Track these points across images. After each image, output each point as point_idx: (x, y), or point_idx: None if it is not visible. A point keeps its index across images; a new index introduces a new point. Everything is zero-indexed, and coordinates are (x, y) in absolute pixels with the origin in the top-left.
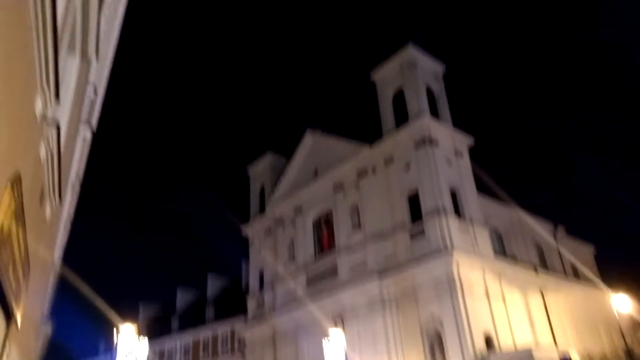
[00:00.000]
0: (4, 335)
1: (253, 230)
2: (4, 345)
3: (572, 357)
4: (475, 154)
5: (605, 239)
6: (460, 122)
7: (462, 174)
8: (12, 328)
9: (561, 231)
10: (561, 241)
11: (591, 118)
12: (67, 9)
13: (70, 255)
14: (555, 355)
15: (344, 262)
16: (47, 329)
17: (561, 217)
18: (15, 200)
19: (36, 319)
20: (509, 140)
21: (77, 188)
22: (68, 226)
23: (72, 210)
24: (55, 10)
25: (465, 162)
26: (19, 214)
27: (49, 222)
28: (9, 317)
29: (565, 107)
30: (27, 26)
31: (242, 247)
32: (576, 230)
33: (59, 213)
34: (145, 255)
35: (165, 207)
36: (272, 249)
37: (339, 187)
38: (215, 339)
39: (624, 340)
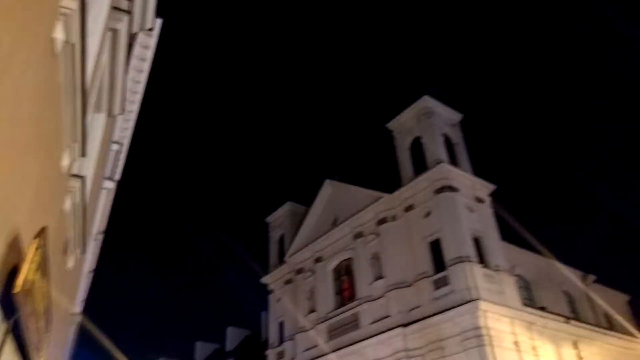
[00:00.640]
0: None
1: (272, 280)
2: None
3: None
4: (498, 201)
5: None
6: (481, 170)
7: (484, 221)
8: None
9: (590, 280)
10: (592, 289)
11: (616, 160)
12: (95, 68)
13: (91, 307)
14: None
15: (365, 313)
16: None
17: (591, 266)
18: (40, 253)
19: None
20: (534, 186)
21: (100, 239)
22: (90, 277)
23: (94, 262)
24: (85, 71)
25: (487, 209)
26: (44, 266)
27: (72, 273)
28: None
29: (590, 149)
30: (56, 85)
31: (262, 299)
32: (607, 278)
33: (82, 264)
34: (164, 308)
35: (185, 259)
36: (292, 299)
37: (358, 235)
38: None
39: None
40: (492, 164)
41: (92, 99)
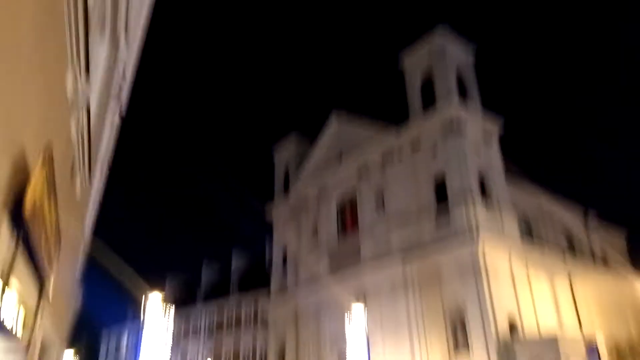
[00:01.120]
0: (37, 305)
1: (277, 209)
2: (36, 316)
3: (598, 345)
4: (504, 138)
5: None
6: (489, 104)
7: (490, 158)
8: (44, 300)
9: (592, 216)
10: (592, 226)
11: (626, 100)
12: None
13: (100, 230)
14: (582, 344)
15: (367, 244)
16: (77, 302)
17: (593, 202)
18: (47, 174)
19: (67, 293)
20: (540, 123)
21: (107, 167)
22: (97, 203)
23: (101, 188)
24: None
25: (494, 146)
26: (51, 188)
27: (80, 199)
28: (42, 288)
29: (598, 90)
30: (59, 3)
31: (266, 225)
32: (608, 214)
33: (89, 190)
34: (172, 231)
35: (193, 185)
36: (295, 228)
37: (363, 170)
38: (239, 312)
39: None
40: (501, 95)
41: (95, 18)
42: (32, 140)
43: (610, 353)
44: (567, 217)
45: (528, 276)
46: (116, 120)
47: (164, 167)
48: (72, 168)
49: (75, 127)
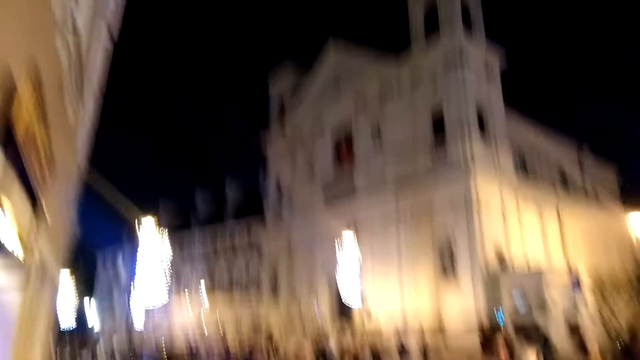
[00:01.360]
0: (33, 226)
1: (272, 139)
2: (33, 237)
3: (581, 277)
4: (506, 71)
5: (630, 158)
6: (492, 33)
7: (490, 90)
8: (40, 221)
9: (585, 151)
10: (585, 161)
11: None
12: None
13: (94, 155)
14: (565, 277)
15: (361, 176)
16: (73, 226)
17: (588, 138)
18: (35, 96)
19: (62, 216)
20: (538, 58)
21: (99, 93)
22: (91, 130)
23: (94, 115)
24: None
25: (496, 79)
26: (41, 111)
27: (72, 124)
28: (36, 210)
29: (597, 25)
30: None
31: (260, 155)
32: (601, 150)
33: (81, 116)
34: (165, 159)
35: (187, 113)
36: (290, 159)
37: (361, 101)
38: (232, 239)
39: (636, 261)
40: (500, 27)
41: None
42: (15, 54)
43: (592, 285)
44: (561, 151)
45: (518, 210)
46: (107, 44)
47: (158, 94)
48: (62, 91)
49: (62, 47)
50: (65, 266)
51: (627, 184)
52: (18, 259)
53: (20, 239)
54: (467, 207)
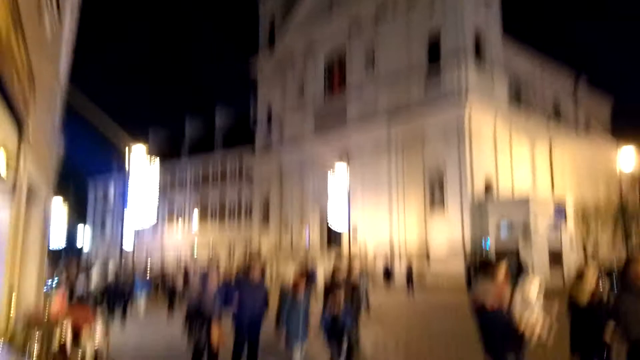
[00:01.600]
0: (17, 148)
1: (262, 64)
2: (18, 158)
3: (567, 207)
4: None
5: (626, 91)
6: None
7: (489, 15)
8: (25, 142)
9: (582, 81)
10: (580, 92)
11: None
12: None
13: (79, 80)
14: (551, 205)
15: (353, 103)
16: (59, 145)
17: (586, 69)
18: (9, 5)
19: (48, 138)
20: None
21: (77, 8)
22: (71, 48)
23: (74, 32)
24: None
25: (494, 2)
26: (16, 21)
27: (50, 41)
28: (21, 131)
29: None
30: None
31: (250, 81)
32: (598, 82)
33: (60, 32)
34: (153, 84)
35: (174, 36)
36: (281, 85)
37: (355, 24)
38: (223, 167)
39: (621, 193)
40: None
41: None
42: None
43: (576, 214)
44: (557, 82)
45: (510, 140)
46: None
47: (146, 19)
48: (39, 5)
49: None
50: (56, 193)
51: (621, 117)
52: (4, 179)
53: (7, 160)
54: (459, 136)
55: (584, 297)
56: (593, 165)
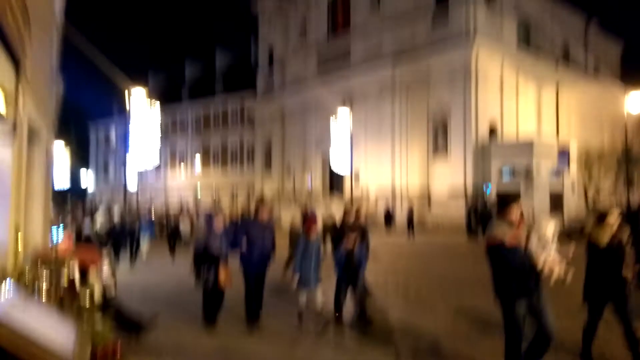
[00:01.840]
0: (16, 84)
1: (262, 4)
2: (17, 96)
3: (570, 151)
4: None
5: (637, 36)
6: None
7: None
8: (23, 81)
9: (593, 24)
10: (591, 35)
11: None
12: None
13: (76, 21)
14: (555, 149)
15: (358, 45)
16: (59, 87)
17: (597, 11)
18: None
19: (46, 74)
20: None
21: None
22: None
23: None
24: None
25: None
26: None
27: None
28: (18, 69)
29: None
30: None
31: (251, 22)
32: (610, 24)
33: None
34: (151, 26)
35: None
36: (282, 26)
37: None
38: (225, 111)
39: (626, 137)
40: None
41: None
42: None
43: (580, 158)
44: (568, 24)
45: (517, 84)
46: None
47: None
48: None
49: None
50: (58, 137)
51: (631, 62)
52: (4, 117)
53: (6, 99)
54: (465, 79)
55: (604, 239)
56: (599, 111)
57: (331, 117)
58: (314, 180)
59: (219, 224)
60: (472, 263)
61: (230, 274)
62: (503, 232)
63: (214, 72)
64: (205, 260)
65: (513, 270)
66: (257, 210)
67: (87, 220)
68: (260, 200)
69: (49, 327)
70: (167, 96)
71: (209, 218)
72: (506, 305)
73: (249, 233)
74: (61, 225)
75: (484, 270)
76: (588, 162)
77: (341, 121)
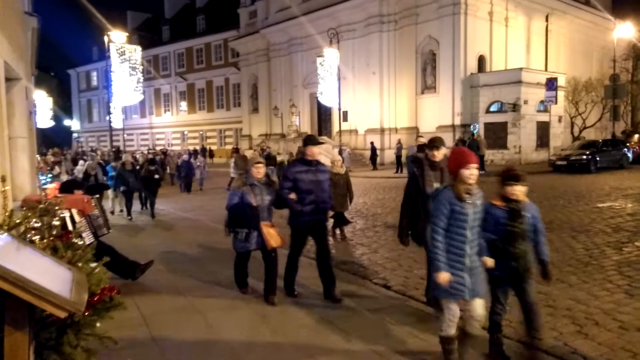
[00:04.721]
0: None
1: None
2: None
3: (558, 81)
4: None
5: None
6: None
7: None
8: None
9: None
10: None
11: None
12: None
13: None
14: (543, 78)
15: None
16: (34, 22)
17: None
18: None
19: (18, 12)
20: None
21: None
22: None
23: None
24: None
25: None
26: None
27: None
28: None
29: None
30: None
31: None
32: None
33: None
34: None
35: None
36: None
37: None
38: (208, 49)
39: (614, 66)
40: None
41: None
42: None
43: (567, 86)
44: None
45: (507, 15)
46: None
47: None
48: None
49: None
50: (39, 86)
51: None
52: None
53: None
54: (454, 9)
55: None
56: (589, 41)
57: (318, 57)
58: (302, 120)
59: (259, 172)
60: None
61: (279, 231)
62: None
63: (194, 8)
64: (244, 224)
65: None
66: (304, 150)
67: (74, 167)
68: (308, 138)
69: (45, 272)
70: (147, 38)
71: (242, 159)
72: None
73: (298, 181)
74: (48, 172)
75: None
76: (575, 93)
77: (328, 59)
